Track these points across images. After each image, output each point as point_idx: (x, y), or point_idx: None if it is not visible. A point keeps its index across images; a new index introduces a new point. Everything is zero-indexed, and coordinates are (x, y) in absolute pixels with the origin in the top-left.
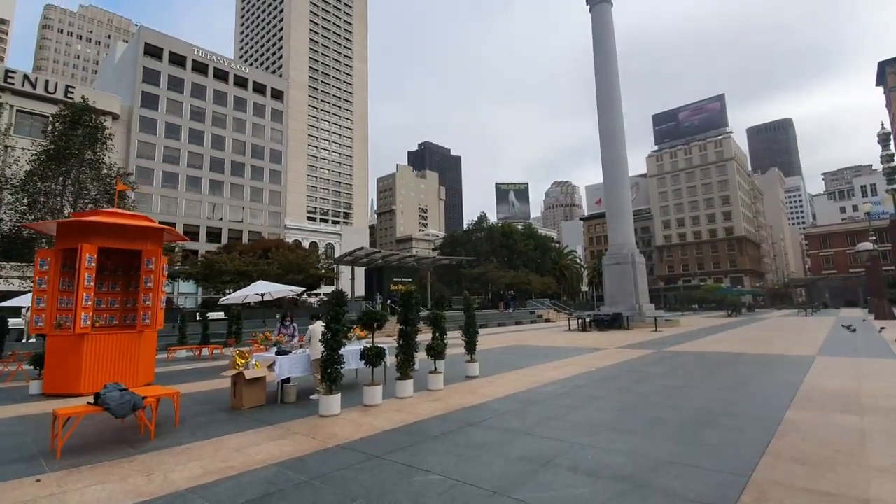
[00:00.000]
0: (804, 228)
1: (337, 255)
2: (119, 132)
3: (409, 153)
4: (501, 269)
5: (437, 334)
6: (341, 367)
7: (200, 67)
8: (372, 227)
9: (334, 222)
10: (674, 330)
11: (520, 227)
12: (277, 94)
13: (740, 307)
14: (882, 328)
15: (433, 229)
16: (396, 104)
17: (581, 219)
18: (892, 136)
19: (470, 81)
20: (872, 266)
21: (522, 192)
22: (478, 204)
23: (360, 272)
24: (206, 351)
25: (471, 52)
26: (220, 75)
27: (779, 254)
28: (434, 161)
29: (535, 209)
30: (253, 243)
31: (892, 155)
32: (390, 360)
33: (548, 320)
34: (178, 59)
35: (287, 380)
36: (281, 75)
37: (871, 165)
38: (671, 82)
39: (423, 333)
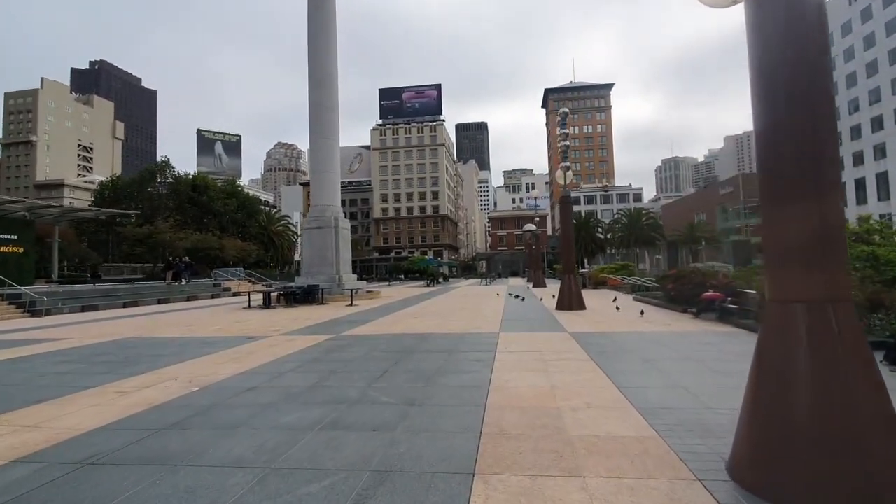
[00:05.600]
0: (489, 213)
1: None
2: None
3: (75, 71)
4: (181, 230)
5: None
6: None
7: None
8: None
9: None
10: (372, 303)
11: (219, 182)
12: None
13: (438, 277)
14: (520, 298)
15: (101, 176)
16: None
17: (301, 184)
18: (558, 142)
19: (186, 6)
20: (534, 243)
21: (234, 144)
22: (179, 155)
23: None
24: None
25: None
26: None
27: (470, 232)
28: (115, 88)
29: (255, 170)
30: None
31: (567, 133)
32: None
33: (237, 293)
34: None
35: None
36: None
37: (533, 170)
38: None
39: None
